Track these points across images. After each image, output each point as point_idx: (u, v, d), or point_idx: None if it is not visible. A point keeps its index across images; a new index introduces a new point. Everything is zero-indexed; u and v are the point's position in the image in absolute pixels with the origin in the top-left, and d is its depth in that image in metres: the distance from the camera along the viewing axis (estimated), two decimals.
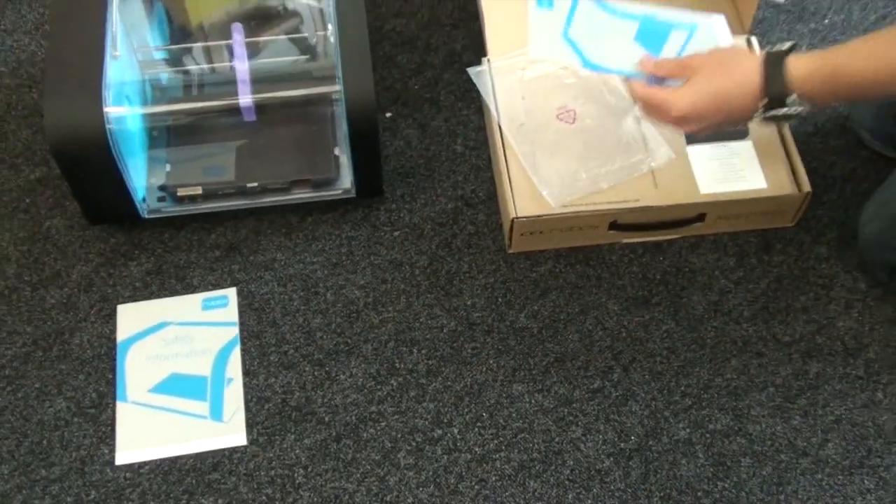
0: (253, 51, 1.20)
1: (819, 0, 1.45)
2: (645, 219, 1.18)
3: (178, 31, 1.26)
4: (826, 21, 1.43)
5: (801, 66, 0.88)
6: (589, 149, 1.20)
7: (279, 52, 1.24)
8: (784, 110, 0.89)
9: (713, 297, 1.18)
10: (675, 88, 0.92)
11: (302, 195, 1.21)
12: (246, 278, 1.19)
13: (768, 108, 0.90)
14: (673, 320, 1.16)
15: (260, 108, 1.16)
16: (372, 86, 1.08)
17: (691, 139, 1.21)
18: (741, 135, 1.22)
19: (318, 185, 1.21)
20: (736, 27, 1.32)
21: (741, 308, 1.17)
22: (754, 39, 1.30)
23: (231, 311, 1.16)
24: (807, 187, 1.17)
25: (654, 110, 0.96)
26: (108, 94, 1.06)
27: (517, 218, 1.15)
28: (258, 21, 1.23)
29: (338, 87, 1.08)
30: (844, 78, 0.88)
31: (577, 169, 1.18)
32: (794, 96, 0.89)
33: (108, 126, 1.05)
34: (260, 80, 1.16)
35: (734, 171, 1.19)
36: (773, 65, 0.89)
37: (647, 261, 1.20)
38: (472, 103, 1.33)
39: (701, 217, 1.19)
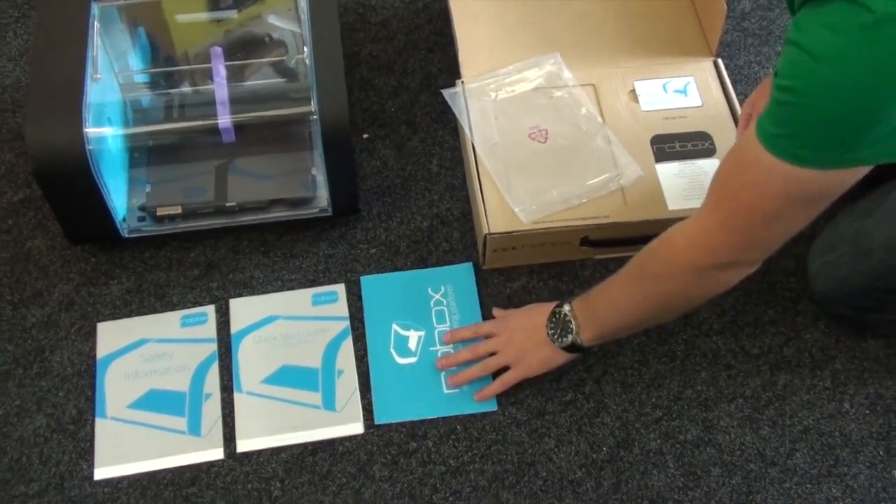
0: (233, 77, 1.24)
1: (787, 22, 1.50)
2: (615, 234, 1.21)
3: (163, 60, 1.29)
4: None
5: (580, 322, 1.07)
6: (560, 167, 1.23)
7: (261, 78, 1.27)
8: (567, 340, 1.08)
9: None
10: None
11: (279, 214, 1.23)
12: (224, 296, 1.21)
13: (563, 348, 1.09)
14: (644, 333, 1.18)
15: (239, 129, 1.19)
16: (345, 105, 1.11)
17: (660, 157, 1.25)
18: (708, 153, 1.25)
19: (296, 205, 1.24)
20: (703, 49, 1.36)
21: (710, 321, 1.20)
22: (720, 62, 1.34)
23: (209, 328, 1.18)
24: None
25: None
26: (89, 116, 1.08)
27: (490, 234, 1.17)
28: (244, 52, 1.26)
29: (312, 108, 1.11)
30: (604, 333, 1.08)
31: (549, 186, 1.21)
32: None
33: (88, 147, 1.07)
34: (239, 102, 1.19)
35: (702, 188, 1.21)
36: (559, 320, 1.09)
37: None
38: (448, 124, 1.36)
39: None
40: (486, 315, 1.19)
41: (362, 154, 1.34)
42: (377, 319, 1.18)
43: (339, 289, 1.21)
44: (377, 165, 1.33)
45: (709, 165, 1.24)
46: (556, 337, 1.08)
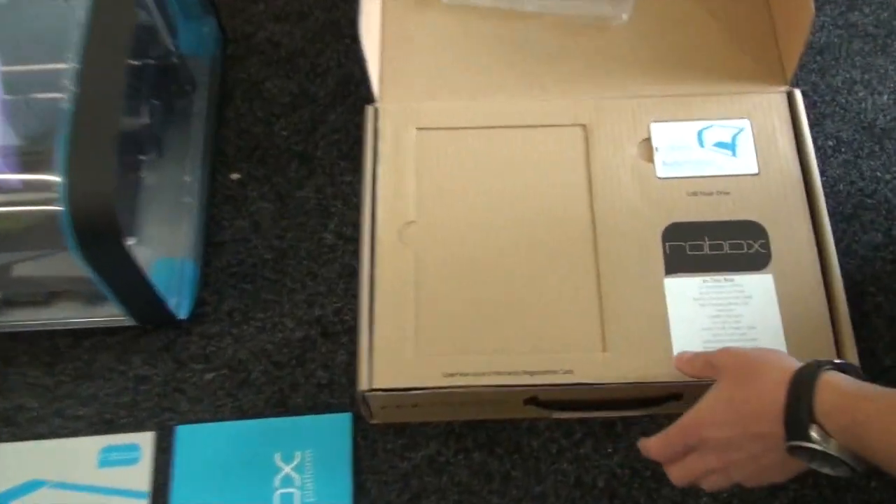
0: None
1: None
2: (581, 396, 0.74)
3: None
4: None
5: (827, 399, 0.60)
6: None
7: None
8: (808, 444, 0.60)
9: None
10: None
11: (66, 315, 0.80)
12: None
13: (789, 436, 0.61)
14: None
15: None
16: (111, 190, 0.64)
17: (675, 265, 0.76)
18: (758, 262, 0.75)
19: (94, 300, 0.80)
20: (773, 71, 0.84)
21: None
22: (798, 95, 0.82)
23: None
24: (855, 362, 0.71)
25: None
26: None
27: (370, 391, 0.72)
28: None
29: (56, 193, 0.64)
30: (864, 439, 0.59)
31: (477, 314, 0.74)
32: (814, 429, 0.60)
33: None
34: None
35: (738, 328, 0.73)
36: (802, 385, 0.61)
37: (587, 452, 0.76)
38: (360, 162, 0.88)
39: (676, 396, 0.74)
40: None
41: (225, 206, 0.88)
42: None
43: (145, 440, 0.78)
44: (243, 228, 0.87)
45: (755, 285, 0.74)
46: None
